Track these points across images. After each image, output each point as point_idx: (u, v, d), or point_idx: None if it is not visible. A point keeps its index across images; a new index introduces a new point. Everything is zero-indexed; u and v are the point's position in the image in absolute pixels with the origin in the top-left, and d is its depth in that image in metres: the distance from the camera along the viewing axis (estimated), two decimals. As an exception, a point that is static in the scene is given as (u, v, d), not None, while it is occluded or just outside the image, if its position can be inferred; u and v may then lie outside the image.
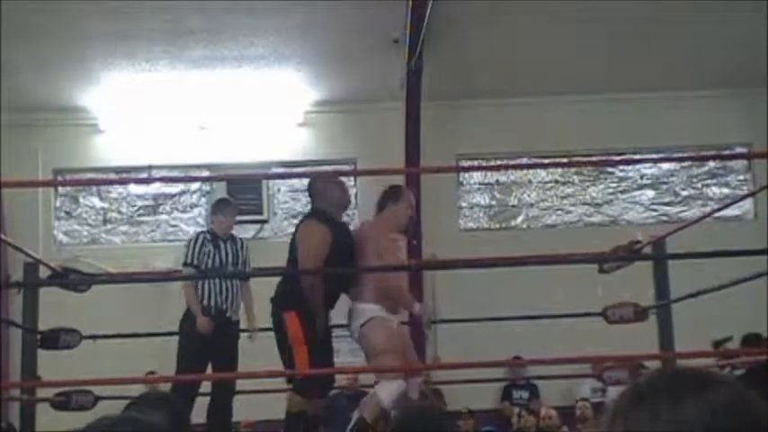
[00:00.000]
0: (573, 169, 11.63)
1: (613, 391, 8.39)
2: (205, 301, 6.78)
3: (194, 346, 6.58)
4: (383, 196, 5.91)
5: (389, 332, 5.58)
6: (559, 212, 11.68)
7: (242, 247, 7.08)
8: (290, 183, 11.51)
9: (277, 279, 5.89)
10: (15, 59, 9.53)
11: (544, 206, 11.67)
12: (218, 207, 7.36)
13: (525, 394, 10.63)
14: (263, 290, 6.05)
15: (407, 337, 5.98)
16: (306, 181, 11.49)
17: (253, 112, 11.10)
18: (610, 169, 11.77)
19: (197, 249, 6.90)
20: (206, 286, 6.83)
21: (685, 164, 11.66)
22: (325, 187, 5.92)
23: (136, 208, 11.40)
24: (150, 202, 11.36)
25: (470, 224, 11.63)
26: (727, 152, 11.19)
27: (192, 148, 11.08)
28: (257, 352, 7.42)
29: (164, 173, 11.20)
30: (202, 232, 7.20)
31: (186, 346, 6.64)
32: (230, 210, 7.27)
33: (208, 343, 6.60)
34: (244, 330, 6.90)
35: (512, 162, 11.06)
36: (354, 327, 5.63)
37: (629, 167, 11.76)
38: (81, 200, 11.40)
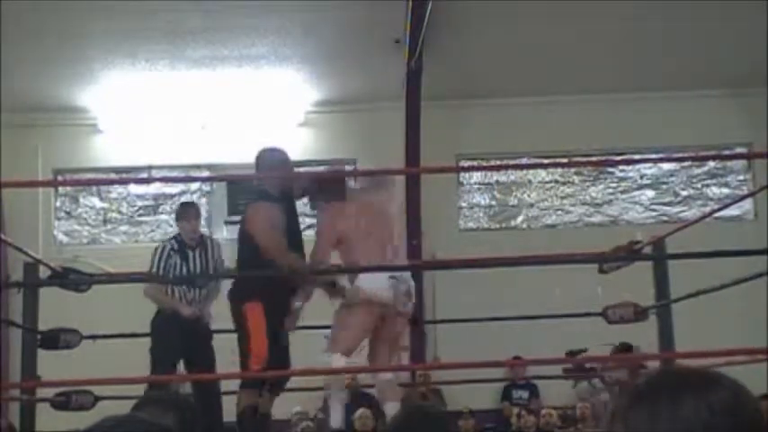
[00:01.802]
0: (573, 169, 11.63)
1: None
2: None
3: (166, 346, 6.53)
4: None
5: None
6: (559, 212, 11.68)
7: (212, 248, 6.88)
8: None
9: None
10: (15, 59, 9.53)
11: (544, 206, 11.67)
12: (180, 213, 7.10)
13: (525, 394, 10.63)
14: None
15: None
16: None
17: (253, 112, 11.10)
18: (610, 169, 11.77)
19: (162, 262, 6.71)
20: (174, 295, 6.75)
21: (685, 164, 11.65)
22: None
23: (136, 208, 11.40)
24: (150, 202, 11.36)
25: (470, 224, 11.63)
26: (727, 152, 11.19)
27: (192, 148, 11.08)
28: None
29: (164, 173, 11.21)
30: (169, 241, 6.92)
31: (158, 347, 6.58)
32: (193, 213, 7.02)
33: (182, 345, 6.54)
34: (217, 331, 6.84)
35: (512, 162, 11.06)
36: None
37: (629, 167, 11.76)
38: (81, 200, 11.40)
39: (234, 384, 6.30)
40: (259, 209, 5.68)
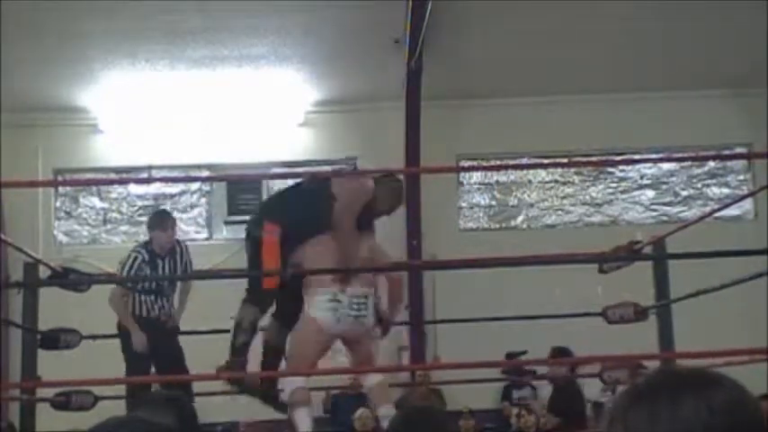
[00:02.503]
0: (573, 169, 11.63)
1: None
2: (139, 314, 6.75)
3: (136, 350, 6.58)
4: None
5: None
6: (559, 212, 11.67)
7: (182, 254, 6.92)
8: (289, 183, 11.50)
9: None
10: (15, 59, 9.52)
11: (544, 206, 11.67)
12: (156, 222, 7.06)
13: (525, 394, 10.62)
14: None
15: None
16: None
17: (253, 112, 11.10)
18: (610, 169, 11.76)
19: (132, 272, 6.74)
20: (142, 302, 6.75)
21: (685, 164, 11.65)
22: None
23: (136, 208, 11.40)
24: (150, 202, 11.36)
25: (470, 224, 11.62)
26: (727, 152, 11.19)
27: (192, 148, 11.08)
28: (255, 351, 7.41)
29: (164, 173, 11.20)
30: (140, 251, 6.87)
31: (128, 350, 6.61)
32: (170, 223, 7.05)
33: (149, 345, 6.61)
34: (184, 332, 6.86)
35: (512, 162, 11.06)
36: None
37: (629, 167, 11.76)
38: (81, 200, 11.40)
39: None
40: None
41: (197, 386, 6.59)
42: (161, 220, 7.13)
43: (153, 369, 6.68)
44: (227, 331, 6.89)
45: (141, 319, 6.73)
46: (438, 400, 9.54)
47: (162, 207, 10.20)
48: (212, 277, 8.69)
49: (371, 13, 9.69)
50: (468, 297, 9.63)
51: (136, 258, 6.81)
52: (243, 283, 8.55)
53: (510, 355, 8.31)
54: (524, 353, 7.97)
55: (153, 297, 6.76)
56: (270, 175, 11.37)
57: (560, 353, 7.73)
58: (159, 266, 6.81)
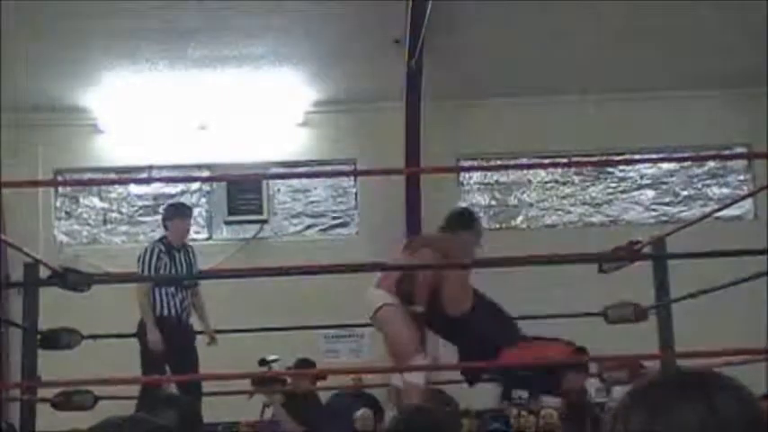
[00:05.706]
0: (573, 169, 11.63)
1: (619, 391, 8.41)
2: (161, 310, 6.77)
3: (151, 349, 6.60)
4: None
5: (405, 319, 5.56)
6: (559, 212, 11.67)
7: (193, 255, 7.05)
8: (290, 183, 11.52)
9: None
10: (16, 59, 9.52)
11: (544, 206, 11.67)
12: (174, 211, 7.21)
13: (525, 394, 10.61)
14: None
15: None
16: (306, 181, 11.53)
17: (253, 112, 11.10)
18: (610, 169, 11.76)
19: (152, 264, 6.81)
20: (163, 295, 6.79)
21: (685, 164, 11.65)
22: None
23: (136, 208, 11.40)
24: (150, 202, 11.36)
25: (470, 224, 11.61)
26: (727, 152, 11.19)
27: (192, 148, 11.08)
28: (258, 352, 7.41)
29: (164, 173, 11.21)
30: (156, 243, 7.02)
31: (147, 350, 6.64)
32: (188, 212, 7.22)
33: (168, 346, 6.62)
34: (200, 332, 6.89)
35: (512, 162, 11.06)
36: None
37: (629, 167, 11.76)
38: (81, 200, 11.40)
39: (246, 384, 6.31)
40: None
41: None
42: (181, 208, 7.29)
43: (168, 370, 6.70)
44: (227, 331, 6.90)
45: (162, 319, 6.74)
46: (445, 401, 9.52)
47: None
48: (212, 277, 8.68)
49: (371, 13, 9.70)
50: (469, 297, 9.60)
51: (153, 250, 6.91)
52: (243, 284, 8.65)
53: (263, 362, 8.17)
54: (277, 360, 7.88)
55: (174, 289, 6.80)
56: (270, 175, 11.38)
57: (303, 363, 7.69)
58: (176, 258, 6.88)
